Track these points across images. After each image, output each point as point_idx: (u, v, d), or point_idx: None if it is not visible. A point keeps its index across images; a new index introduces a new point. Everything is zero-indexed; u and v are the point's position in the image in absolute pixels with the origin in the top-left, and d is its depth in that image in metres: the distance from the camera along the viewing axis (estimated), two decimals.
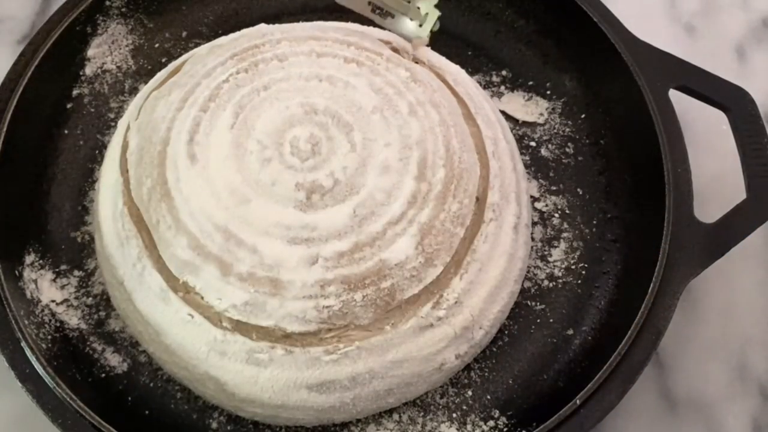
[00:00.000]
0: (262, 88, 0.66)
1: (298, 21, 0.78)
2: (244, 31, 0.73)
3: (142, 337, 0.66)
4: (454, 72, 0.73)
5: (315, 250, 0.61)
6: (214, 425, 0.66)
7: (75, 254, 0.71)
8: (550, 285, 0.71)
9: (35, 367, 0.62)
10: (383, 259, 0.61)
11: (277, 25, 0.72)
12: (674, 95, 0.72)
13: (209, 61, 0.68)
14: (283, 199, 0.62)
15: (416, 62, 0.71)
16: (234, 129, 0.64)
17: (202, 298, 0.62)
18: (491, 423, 0.66)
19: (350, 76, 0.67)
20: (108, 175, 0.69)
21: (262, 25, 0.73)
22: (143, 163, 0.65)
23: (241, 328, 0.61)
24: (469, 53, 0.79)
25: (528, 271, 0.71)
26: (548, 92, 0.78)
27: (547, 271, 0.71)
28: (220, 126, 0.64)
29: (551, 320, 0.70)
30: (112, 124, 0.75)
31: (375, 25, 0.71)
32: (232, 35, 0.73)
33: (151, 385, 0.67)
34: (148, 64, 0.78)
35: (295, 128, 0.65)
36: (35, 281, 0.68)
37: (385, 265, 0.61)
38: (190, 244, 0.62)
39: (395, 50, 0.71)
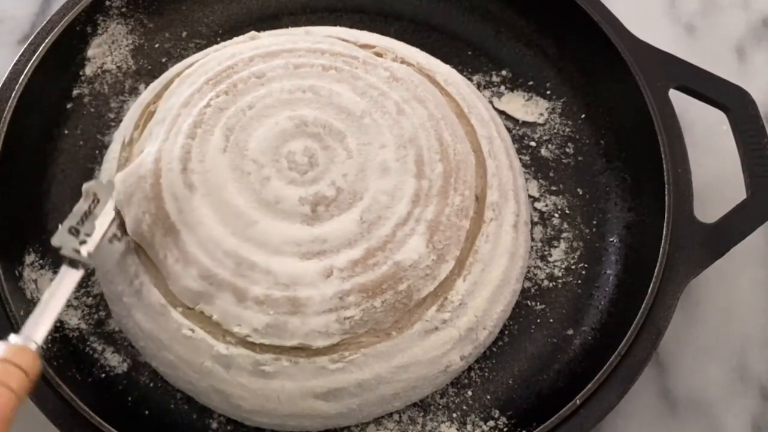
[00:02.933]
0: (247, 107, 0.65)
1: (298, 21, 0.78)
2: (210, 54, 0.71)
3: (144, 352, 0.65)
4: (445, 72, 0.73)
5: (328, 262, 0.61)
6: (214, 425, 0.66)
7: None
8: (550, 285, 0.71)
9: None
10: (397, 262, 0.61)
11: (244, 44, 0.71)
12: (674, 95, 0.72)
13: (183, 90, 0.67)
14: (289, 216, 0.62)
15: (402, 62, 0.71)
16: (227, 152, 0.63)
17: (221, 326, 0.61)
18: (491, 423, 0.66)
19: (332, 83, 0.66)
20: None
21: (229, 48, 0.72)
22: (134, 200, 0.63)
23: (244, 341, 0.61)
24: (469, 53, 0.79)
25: (528, 271, 0.71)
26: (548, 92, 0.77)
27: (547, 271, 0.71)
28: (212, 150, 0.64)
29: (551, 320, 0.70)
30: (112, 124, 0.75)
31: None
32: (196, 59, 0.72)
33: (152, 385, 0.67)
34: (148, 64, 0.78)
35: (288, 143, 0.64)
36: (35, 281, 0.68)
37: (400, 268, 0.61)
38: (201, 274, 0.61)
39: (378, 54, 0.71)
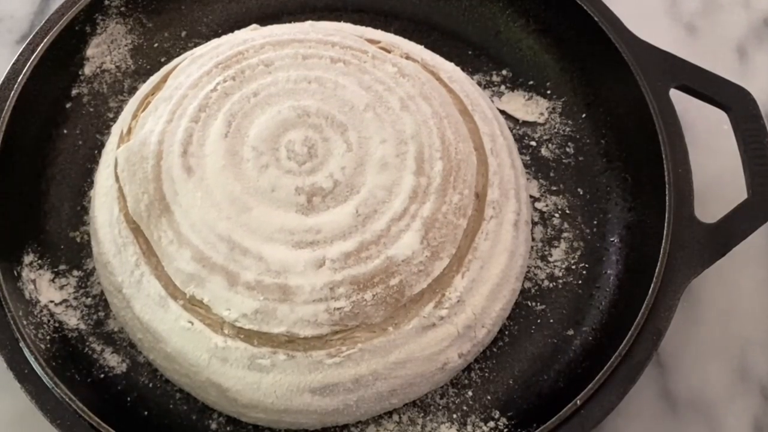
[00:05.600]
0: (252, 94, 0.66)
1: (298, 20, 0.78)
2: (223, 38, 0.73)
3: (142, 345, 0.65)
4: (450, 70, 0.73)
5: (321, 253, 0.61)
6: (214, 426, 0.66)
7: (74, 254, 0.71)
8: (551, 285, 0.71)
9: (34, 367, 0.62)
10: (390, 256, 0.61)
11: (256, 30, 0.72)
12: (675, 95, 0.72)
13: (193, 71, 0.68)
14: (285, 204, 0.62)
15: (407, 58, 0.70)
16: (228, 138, 0.64)
17: (210, 310, 0.61)
18: (491, 424, 0.66)
19: (339, 76, 0.66)
20: (103, 181, 0.68)
21: (240, 31, 0.72)
22: (136, 179, 0.64)
23: (242, 334, 0.61)
24: (469, 53, 0.79)
25: (528, 271, 0.71)
26: (548, 92, 0.77)
27: (548, 271, 0.71)
28: (214, 135, 0.64)
29: (551, 320, 0.69)
30: (112, 123, 0.75)
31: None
32: (211, 43, 0.72)
33: (151, 385, 0.67)
34: (147, 63, 0.78)
35: (289, 132, 0.65)
36: (34, 281, 0.68)
37: (393, 262, 0.61)
38: (194, 256, 0.62)
39: (385, 49, 0.71)
